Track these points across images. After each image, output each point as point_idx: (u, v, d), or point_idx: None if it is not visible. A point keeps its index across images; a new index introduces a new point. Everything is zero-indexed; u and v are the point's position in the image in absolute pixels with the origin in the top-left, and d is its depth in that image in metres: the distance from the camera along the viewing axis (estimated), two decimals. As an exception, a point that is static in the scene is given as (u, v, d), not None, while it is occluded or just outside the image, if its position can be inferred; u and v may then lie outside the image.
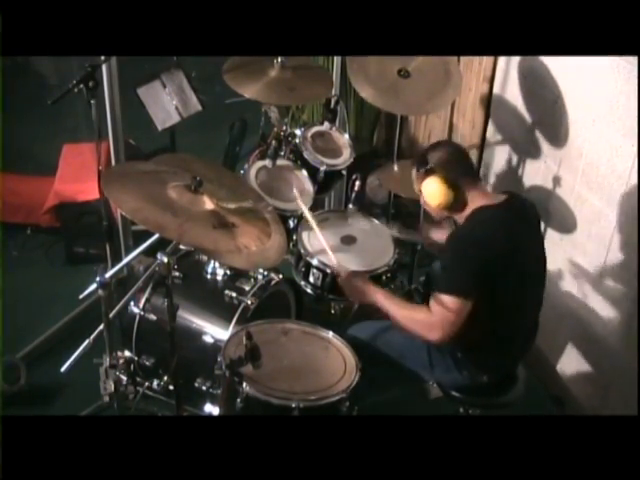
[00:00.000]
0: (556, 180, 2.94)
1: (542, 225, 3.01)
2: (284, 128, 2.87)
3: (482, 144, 3.57)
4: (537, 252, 2.28)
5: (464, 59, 3.43)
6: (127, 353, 2.50)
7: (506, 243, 2.11)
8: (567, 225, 2.88)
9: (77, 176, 3.51)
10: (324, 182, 2.84)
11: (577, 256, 2.86)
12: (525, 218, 2.24)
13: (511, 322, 2.22)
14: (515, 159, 3.31)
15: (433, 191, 2.18)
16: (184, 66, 3.18)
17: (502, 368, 2.33)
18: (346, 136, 3.00)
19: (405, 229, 2.99)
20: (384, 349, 2.36)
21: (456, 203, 2.18)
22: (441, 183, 2.16)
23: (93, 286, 1.92)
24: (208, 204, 1.98)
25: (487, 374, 2.28)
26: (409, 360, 2.35)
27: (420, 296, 2.97)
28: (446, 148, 2.26)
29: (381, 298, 2.24)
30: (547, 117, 2.99)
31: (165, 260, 1.90)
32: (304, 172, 2.81)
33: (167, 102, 3.11)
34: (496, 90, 3.40)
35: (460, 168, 2.20)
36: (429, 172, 2.18)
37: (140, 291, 2.48)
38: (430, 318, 2.11)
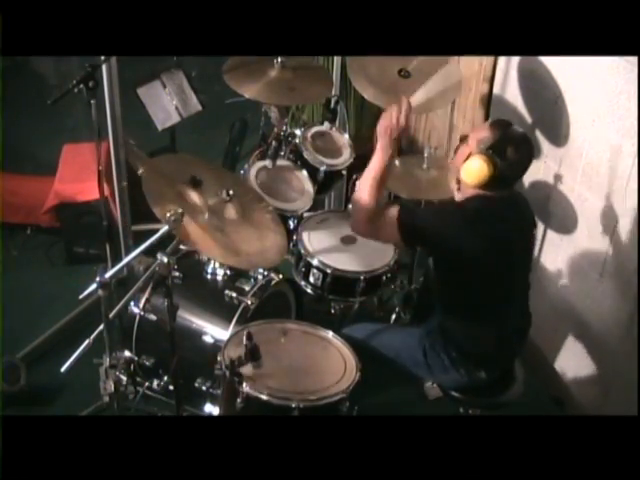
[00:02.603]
0: (556, 180, 2.94)
1: (542, 225, 3.02)
2: (284, 128, 2.87)
3: (482, 144, 3.57)
4: (524, 247, 2.30)
5: (464, 59, 3.43)
6: (127, 353, 2.50)
7: (488, 239, 2.11)
8: (567, 225, 2.88)
9: (77, 176, 3.51)
10: (324, 182, 2.84)
11: (577, 256, 2.86)
12: (516, 214, 2.24)
13: (494, 316, 2.24)
14: (515, 159, 3.31)
15: (476, 171, 2.06)
16: (184, 66, 3.18)
17: (498, 363, 2.34)
18: (346, 136, 3.00)
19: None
20: (380, 349, 2.36)
21: (474, 188, 2.12)
22: (489, 173, 2.05)
23: (93, 286, 1.92)
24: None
25: (484, 370, 2.28)
26: (405, 360, 2.36)
27: (420, 296, 2.97)
28: (527, 150, 2.14)
29: (374, 161, 2.22)
30: (547, 117, 2.99)
31: (165, 260, 1.90)
32: (304, 172, 2.81)
33: (167, 102, 3.11)
34: (496, 90, 3.40)
35: (516, 176, 2.17)
36: (493, 156, 2.05)
37: (140, 291, 2.48)
38: (370, 212, 2.14)
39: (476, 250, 2.09)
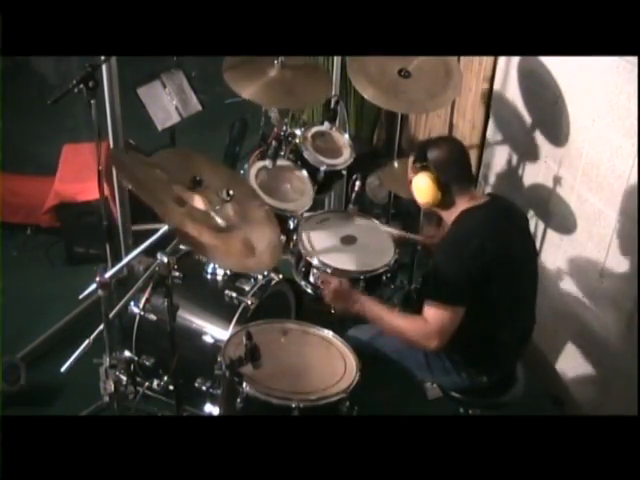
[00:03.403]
0: (556, 180, 2.94)
1: (542, 225, 3.02)
2: (284, 128, 2.87)
3: (482, 144, 3.57)
4: (527, 250, 2.29)
5: (464, 59, 3.43)
6: (127, 353, 2.50)
7: (495, 243, 2.11)
8: (567, 225, 2.88)
9: (77, 176, 3.52)
10: (324, 182, 2.84)
11: (577, 256, 2.86)
12: (510, 217, 2.25)
13: (506, 321, 2.23)
14: (515, 159, 3.31)
15: (423, 188, 2.19)
16: (184, 66, 3.18)
17: (501, 368, 2.33)
18: (346, 136, 2.99)
19: (401, 227, 2.99)
20: (384, 350, 2.36)
21: (442, 203, 2.20)
22: (432, 183, 2.16)
23: (93, 286, 1.92)
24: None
25: (486, 375, 2.28)
26: (408, 362, 2.36)
27: (417, 296, 2.97)
28: (448, 147, 2.22)
29: (373, 309, 2.23)
30: (547, 117, 2.99)
31: (165, 260, 1.90)
32: (304, 172, 2.81)
33: (167, 102, 3.11)
34: (496, 90, 3.40)
35: (456, 171, 2.20)
36: (424, 168, 2.18)
37: (140, 291, 2.48)
38: (425, 327, 2.10)
39: (485, 263, 2.08)
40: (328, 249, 2.54)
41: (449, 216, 2.22)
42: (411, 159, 2.25)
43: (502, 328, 2.22)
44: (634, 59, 2.39)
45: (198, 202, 2.03)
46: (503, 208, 2.26)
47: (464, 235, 2.14)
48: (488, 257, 2.08)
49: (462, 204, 2.19)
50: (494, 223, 2.17)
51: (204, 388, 2.43)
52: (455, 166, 2.20)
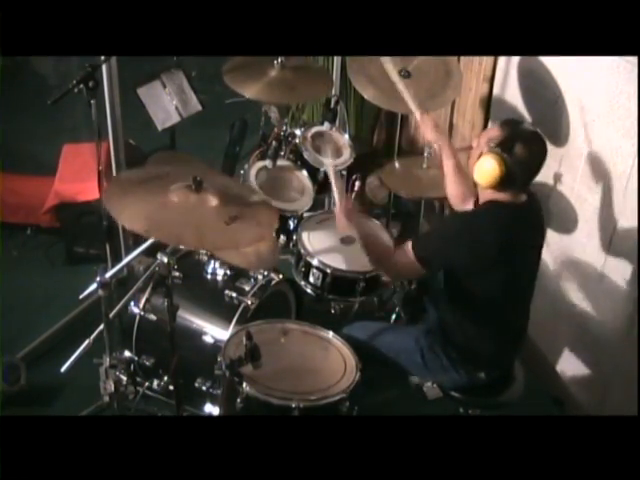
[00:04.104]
0: (556, 179, 2.94)
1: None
2: (284, 128, 2.87)
3: (482, 144, 3.57)
4: (533, 251, 2.29)
5: (464, 59, 3.43)
6: (127, 353, 2.50)
7: (504, 244, 2.11)
8: (567, 225, 2.88)
9: (77, 176, 3.51)
10: (324, 182, 2.84)
11: (577, 256, 2.86)
12: (534, 224, 2.25)
13: (502, 317, 2.24)
14: (515, 159, 3.30)
15: (487, 171, 2.05)
16: (184, 66, 3.18)
17: (498, 363, 2.34)
18: (346, 136, 3.00)
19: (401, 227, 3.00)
20: (380, 349, 2.36)
21: (488, 189, 2.11)
22: (501, 173, 2.04)
23: (93, 286, 1.92)
24: (212, 201, 1.98)
25: (484, 370, 2.28)
26: (405, 360, 2.36)
27: (417, 296, 2.97)
28: (538, 150, 2.10)
29: (359, 229, 2.37)
30: (547, 117, 2.99)
31: (165, 260, 1.90)
32: (304, 172, 2.81)
33: (167, 102, 3.11)
34: (496, 90, 3.40)
35: (528, 176, 2.12)
36: (503, 153, 2.04)
37: (140, 291, 2.48)
38: (391, 256, 2.25)
39: (489, 257, 2.09)
40: (328, 249, 2.54)
41: (481, 196, 2.18)
42: (491, 131, 2.12)
43: (498, 324, 2.23)
44: (634, 59, 2.39)
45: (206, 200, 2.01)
46: (527, 210, 2.20)
47: (479, 222, 2.14)
48: (489, 254, 2.09)
49: (500, 197, 2.11)
50: (512, 224, 2.14)
51: (204, 388, 2.44)
52: (531, 172, 2.12)
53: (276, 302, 2.64)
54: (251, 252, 2.43)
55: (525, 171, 2.09)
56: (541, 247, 2.32)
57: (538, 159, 2.11)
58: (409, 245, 2.16)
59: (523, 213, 2.16)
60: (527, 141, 2.08)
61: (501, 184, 2.07)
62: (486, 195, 2.15)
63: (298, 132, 2.87)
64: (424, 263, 2.14)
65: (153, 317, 2.50)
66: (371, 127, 4.35)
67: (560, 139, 2.90)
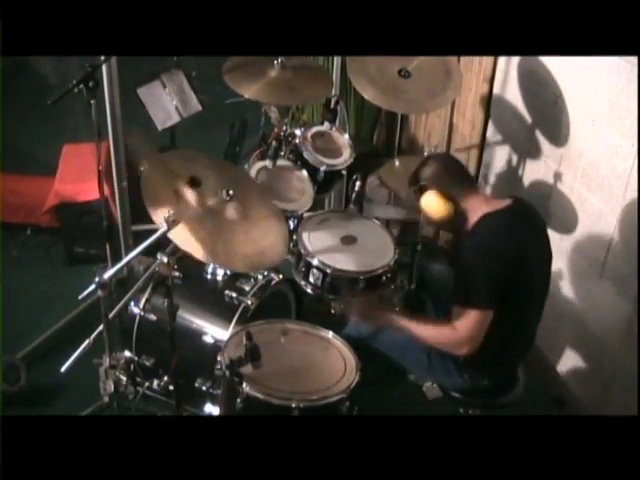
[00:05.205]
0: (556, 180, 2.94)
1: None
2: (284, 128, 2.87)
3: (482, 144, 3.57)
4: (543, 254, 2.28)
5: (464, 59, 3.43)
6: (127, 353, 2.50)
7: (515, 248, 2.11)
8: (567, 225, 2.88)
9: (77, 176, 3.51)
10: (324, 182, 2.84)
11: (577, 256, 2.86)
12: (531, 223, 2.24)
13: (517, 326, 2.22)
14: (515, 159, 3.31)
15: (431, 206, 2.22)
16: (184, 66, 3.18)
17: (504, 372, 2.33)
18: (346, 136, 2.99)
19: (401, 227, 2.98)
20: (381, 348, 2.36)
21: (458, 213, 2.20)
22: (436, 197, 2.20)
23: (93, 286, 1.92)
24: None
25: (488, 378, 2.28)
26: (408, 361, 2.35)
27: (415, 296, 2.97)
28: (436, 162, 2.30)
29: (400, 320, 2.26)
30: (547, 117, 2.99)
31: (165, 260, 1.90)
32: (304, 172, 2.81)
33: (167, 102, 3.11)
34: (496, 90, 3.40)
35: (452, 179, 2.24)
36: (423, 189, 2.24)
37: (140, 291, 2.48)
38: (455, 334, 2.12)
39: (504, 267, 2.08)
40: (328, 249, 2.54)
41: (469, 223, 2.20)
42: (410, 191, 2.32)
43: (512, 333, 2.21)
44: (634, 59, 2.39)
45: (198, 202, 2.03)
46: (524, 212, 2.24)
47: (483, 240, 2.14)
48: (508, 261, 2.09)
49: (478, 209, 2.18)
50: (513, 228, 2.15)
51: (204, 388, 2.43)
52: (450, 174, 2.25)
53: (276, 302, 2.64)
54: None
55: (447, 175, 2.24)
56: (549, 251, 2.30)
57: (444, 161, 2.34)
58: (461, 311, 2.10)
59: (513, 216, 2.18)
60: (423, 164, 2.30)
61: (453, 197, 2.20)
62: (468, 223, 2.20)
63: (298, 132, 2.86)
64: (488, 306, 2.09)
65: (153, 317, 2.50)
66: (371, 127, 4.35)
67: (560, 139, 2.90)
